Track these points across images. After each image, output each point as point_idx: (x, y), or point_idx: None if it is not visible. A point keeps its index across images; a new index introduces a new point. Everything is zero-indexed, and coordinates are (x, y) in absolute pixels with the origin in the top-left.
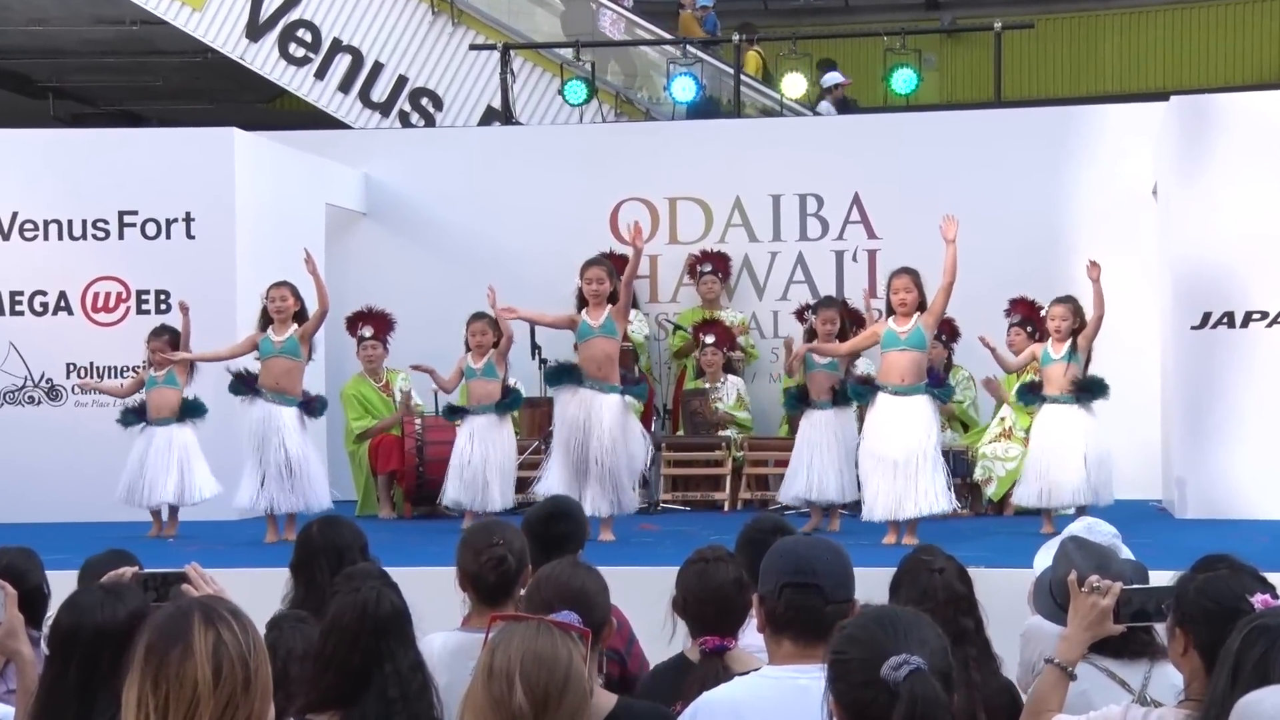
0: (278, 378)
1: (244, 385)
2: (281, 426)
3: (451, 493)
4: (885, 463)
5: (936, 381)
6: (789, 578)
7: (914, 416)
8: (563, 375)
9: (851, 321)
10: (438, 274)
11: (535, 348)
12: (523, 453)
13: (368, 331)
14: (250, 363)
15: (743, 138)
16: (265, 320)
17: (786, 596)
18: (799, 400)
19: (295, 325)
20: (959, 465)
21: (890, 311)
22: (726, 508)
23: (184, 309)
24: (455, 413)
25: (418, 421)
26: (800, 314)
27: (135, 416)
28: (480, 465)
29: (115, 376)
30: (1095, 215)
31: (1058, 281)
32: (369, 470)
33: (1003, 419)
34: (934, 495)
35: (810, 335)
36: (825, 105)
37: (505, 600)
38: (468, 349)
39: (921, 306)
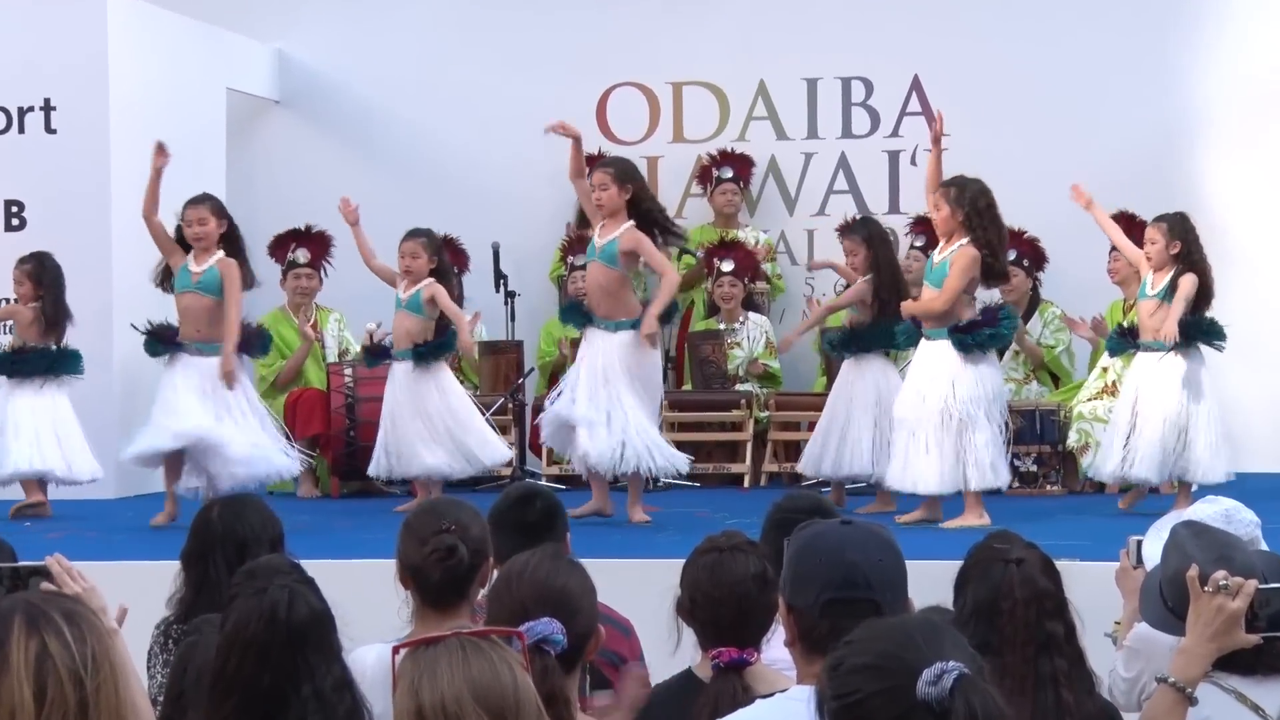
0: (198, 322)
1: (161, 341)
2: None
3: (376, 462)
4: (904, 423)
5: (971, 323)
6: (835, 592)
7: (937, 365)
8: (574, 314)
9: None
10: (372, 182)
11: (500, 278)
12: (484, 411)
13: (302, 256)
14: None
15: (768, 4)
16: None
17: (832, 615)
18: (847, 344)
19: (220, 253)
20: (1047, 428)
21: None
22: (747, 483)
23: (159, 153)
24: (376, 355)
25: (347, 372)
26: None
27: None
28: (403, 427)
29: None
30: (1220, 107)
31: (1170, 192)
32: (284, 434)
33: (1105, 370)
34: (977, 466)
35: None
36: None
37: (458, 602)
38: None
39: (970, 226)
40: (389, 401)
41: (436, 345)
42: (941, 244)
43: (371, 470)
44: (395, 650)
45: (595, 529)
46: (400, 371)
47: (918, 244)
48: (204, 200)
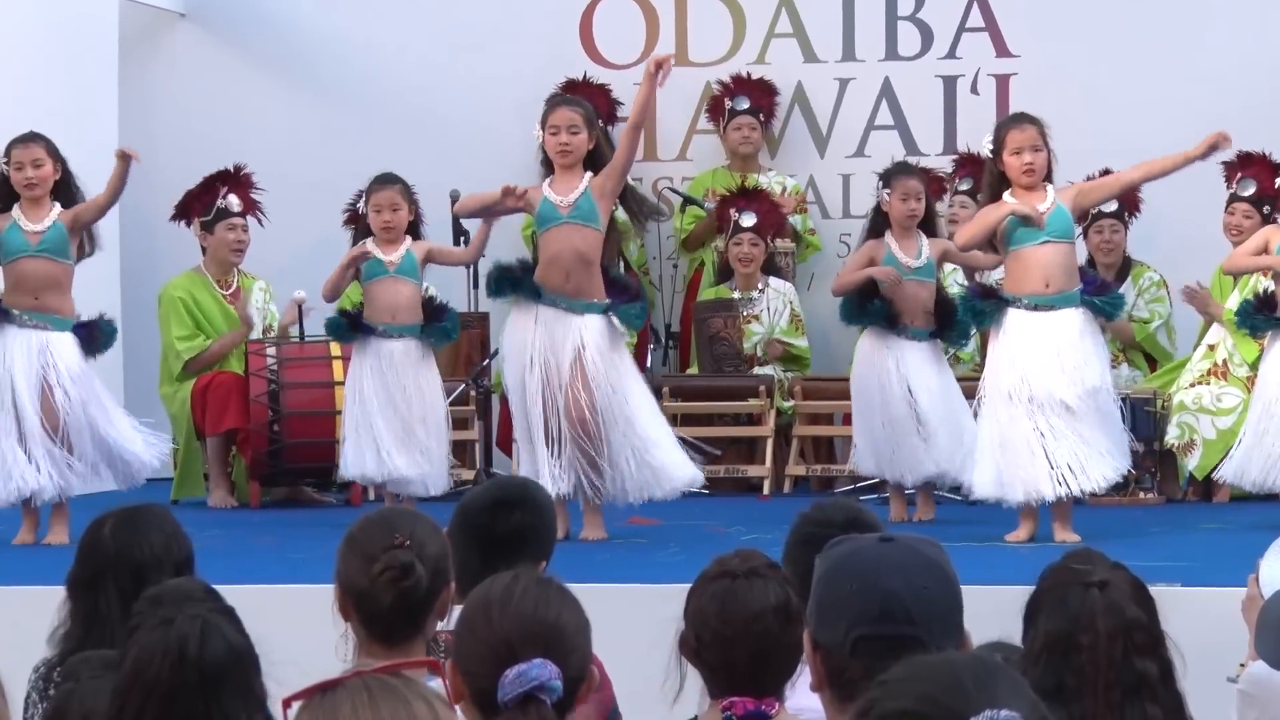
0: (37, 288)
1: None
2: (51, 362)
3: (355, 461)
4: (1031, 409)
5: (1099, 287)
6: (868, 626)
7: (1079, 337)
8: (507, 283)
9: (937, 197)
10: (299, 114)
11: (461, 234)
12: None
13: (235, 203)
14: None
15: None
16: (7, 196)
17: (866, 654)
18: (877, 314)
19: (57, 206)
20: (1141, 421)
21: (1000, 187)
22: (767, 489)
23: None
24: (349, 328)
25: (270, 351)
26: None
27: None
28: (403, 417)
29: None
30: None
31: None
32: (191, 429)
33: (1212, 348)
34: (1110, 459)
35: (878, 226)
36: None
37: (414, 636)
38: (358, 233)
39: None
40: (376, 386)
41: (453, 325)
42: (1018, 193)
43: (351, 472)
44: (286, 704)
45: (577, 546)
46: (397, 353)
47: (964, 188)
48: (36, 139)
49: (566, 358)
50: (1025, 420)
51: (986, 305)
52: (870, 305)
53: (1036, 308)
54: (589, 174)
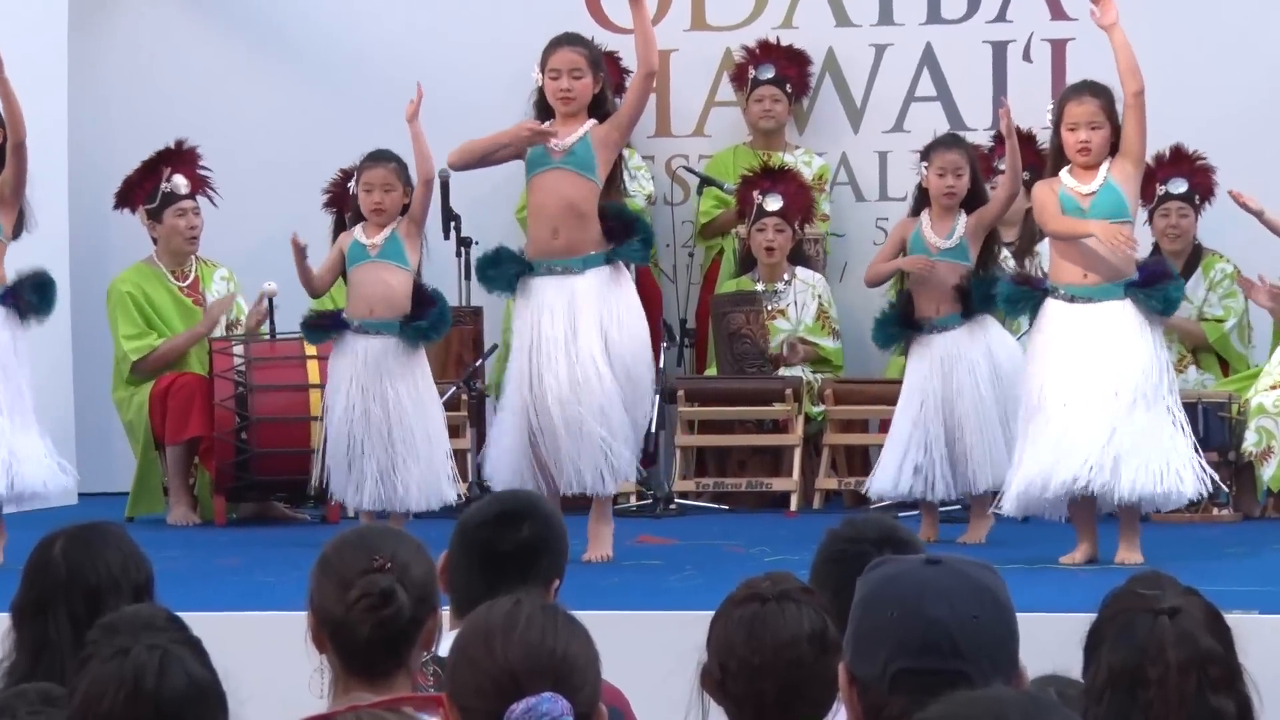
0: None
1: None
2: None
3: (339, 483)
4: (1063, 411)
5: (1151, 276)
6: (910, 659)
7: (1117, 334)
8: (496, 268)
9: (986, 175)
10: (270, 89)
11: (451, 219)
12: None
13: (182, 184)
14: None
15: None
16: None
17: (907, 690)
18: (899, 323)
19: None
20: (1214, 429)
21: (1059, 161)
22: (794, 505)
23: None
24: (322, 327)
25: (237, 350)
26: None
27: None
28: (384, 428)
29: None
30: None
31: None
32: (149, 437)
33: None
34: (1174, 470)
35: (920, 205)
36: None
37: (395, 669)
38: (345, 220)
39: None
40: (353, 393)
41: (441, 318)
42: (1074, 171)
43: (348, 495)
44: None
45: (580, 568)
46: (375, 352)
47: (1003, 168)
48: None
49: (563, 334)
50: (1049, 424)
51: (1022, 294)
52: (884, 316)
53: (1074, 299)
54: (592, 120)
